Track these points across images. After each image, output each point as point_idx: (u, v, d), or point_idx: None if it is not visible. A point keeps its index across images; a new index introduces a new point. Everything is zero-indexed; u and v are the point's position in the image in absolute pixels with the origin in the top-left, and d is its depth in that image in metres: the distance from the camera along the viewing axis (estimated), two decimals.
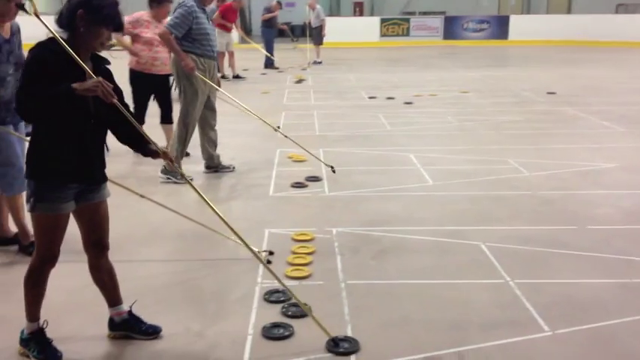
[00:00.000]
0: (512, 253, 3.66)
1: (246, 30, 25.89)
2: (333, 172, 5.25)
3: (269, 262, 3.50)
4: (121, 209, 4.24)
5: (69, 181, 2.42)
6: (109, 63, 2.53)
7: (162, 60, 5.62)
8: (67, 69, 2.31)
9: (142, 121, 5.77)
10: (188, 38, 5.04)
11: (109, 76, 2.45)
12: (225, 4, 12.61)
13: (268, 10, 14.35)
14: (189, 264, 3.58)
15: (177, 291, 3.23)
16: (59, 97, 2.25)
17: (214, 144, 5.48)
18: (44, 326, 2.60)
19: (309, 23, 15.04)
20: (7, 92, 3.43)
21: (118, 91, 2.44)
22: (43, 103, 2.26)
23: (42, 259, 2.49)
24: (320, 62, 15.06)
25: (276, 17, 14.56)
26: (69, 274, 2.97)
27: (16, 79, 3.42)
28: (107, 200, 2.62)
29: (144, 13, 5.62)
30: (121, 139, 2.62)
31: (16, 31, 3.52)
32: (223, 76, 12.30)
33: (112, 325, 2.74)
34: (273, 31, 14.66)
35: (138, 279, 3.33)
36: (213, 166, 5.49)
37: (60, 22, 2.38)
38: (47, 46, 2.33)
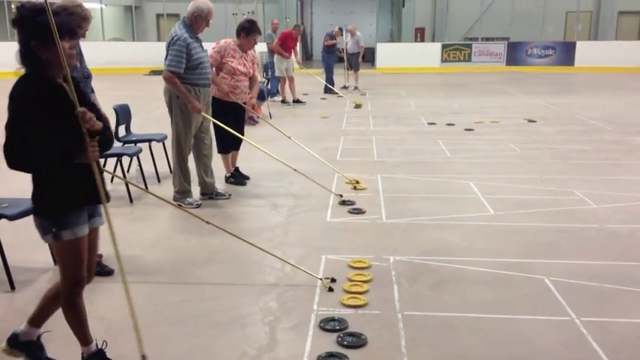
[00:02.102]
0: (579, 289, 3.51)
1: (307, 55, 26.36)
2: (342, 200, 5.26)
3: (331, 289, 3.49)
4: (184, 233, 4.37)
5: (82, 204, 2.49)
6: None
7: (243, 89, 5.74)
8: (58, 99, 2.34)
9: (227, 149, 5.91)
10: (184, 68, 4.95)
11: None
12: (285, 31, 12.94)
13: (330, 36, 14.56)
14: (245, 288, 3.61)
15: (233, 315, 3.26)
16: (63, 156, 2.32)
17: (208, 171, 5.44)
18: (104, 347, 2.66)
19: (346, 49, 15.01)
20: None
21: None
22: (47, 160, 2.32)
23: (72, 284, 2.54)
24: (357, 88, 15.05)
25: (337, 44, 14.75)
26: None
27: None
28: None
29: (230, 42, 5.68)
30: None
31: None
32: (283, 101, 12.55)
33: None
34: (334, 57, 14.83)
35: (195, 301, 3.38)
36: (208, 193, 5.44)
37: (24, 60, 2.35)
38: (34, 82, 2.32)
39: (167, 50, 4.96)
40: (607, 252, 4.13)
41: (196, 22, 5.00)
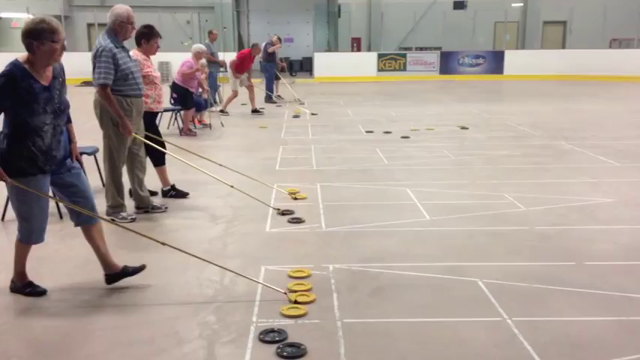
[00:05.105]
0: (510, 290, 3.63)
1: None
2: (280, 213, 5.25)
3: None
4: (119, 249, 4.24)
5: None
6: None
7: (155, 98, 5.66)
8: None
9: (164, 162, 5.78)
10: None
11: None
12: (244, 51, 12.91)
13: (270, 44, 14.58)
14: (182, 303, 3.53)
15: (169, 332, 3.18)
16: None
17: (142, 185, 5.35)
18: None
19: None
20: (45, 142, 3.37)
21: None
22: None
23: None
24: (280, 97, 15.19)
25: (276, 52, 14.78)
26: None
27: (56, 126, 3.42)
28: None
29: (136, 53, 5.52)
30: None
31: (58, 73, 3.45)
32: (222, 111, 12.39)
33: None
34: (274, 66, 14.85)
35: (129, 320, 3.29)
36: (143, 207, 5.35)
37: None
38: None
39: (93, 63, 4.83)
40: (536, 253, 4.31)
41: (122, 28, 4.90)
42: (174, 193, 5.86)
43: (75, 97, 9.21)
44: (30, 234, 3.53)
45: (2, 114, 3.32)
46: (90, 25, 24.18)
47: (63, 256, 4.28)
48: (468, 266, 4.02)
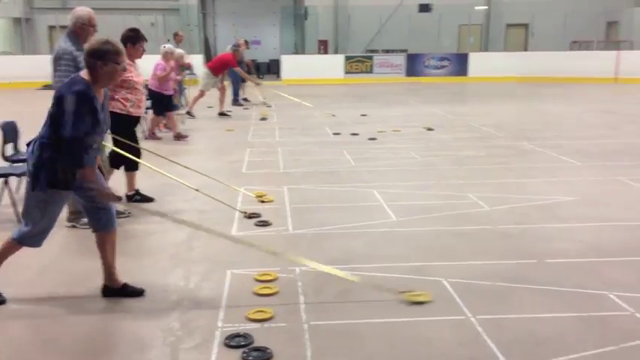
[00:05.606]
0: (474, 289, 3.68)
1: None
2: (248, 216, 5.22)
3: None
4: (78, 255, 4.16)
5: None
6: None
7: (135, 102, 5.57)
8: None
9: (134, 167, 5.69)
10: None
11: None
12: (226, 55, 12.77)
13: (236, 47, 14.46)
14: (146, 310, 3.48)
15: (132, 339, 3.13)
16: None
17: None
18: None
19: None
20: (88, 161, 3.38)
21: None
22: None
23: None
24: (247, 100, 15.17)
25: (242, 55, 14.68)
26: None
27: (98, 145, 3.50)
28: None
29: None
30: None
31: (106, 94, 3.53)
32: (189, 112, 12.26)
33: None
34: (241, 68, 14.74)
35: (91, 330, 3.22)
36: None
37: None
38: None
39: (54, 66, 4.74)
40: (499, 252, 4.38)
41: (82, 31, 4.81)
42: (139, 197, 5.78)
43: (35, 101, 8.99)
44: (30, 237, 3.47)
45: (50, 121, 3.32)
46: (51, 28, 23.66)
47: (22, 264, 4.16)
48: (433, 266, 4.07)
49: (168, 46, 9.82)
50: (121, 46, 3.41)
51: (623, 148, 8.40)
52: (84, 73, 3.35)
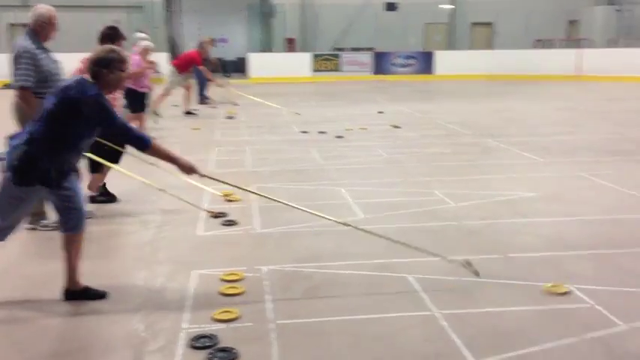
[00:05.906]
0: (438, 284, 3.72)
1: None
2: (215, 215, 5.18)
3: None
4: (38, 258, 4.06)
5: None
6: None
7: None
8: None
9: (102, 168, 5.59)
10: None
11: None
12: (192, 52, 12.61)
13: (201, 45, 14.30)
14: (108, 312, 3.42)
15: (94, 342, 3.07)
16: None
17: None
18: None
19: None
20: (76, 162, 3.50)
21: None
22: None
23: None
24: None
25: (208, 53, 14.51)
26: None
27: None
28: None
29: None
30: None
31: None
32: (155, 112, 12.09)
33: None
34: (208, 67, 14.59)
35: (51, 334, 3.15)
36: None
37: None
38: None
39: (14, 64, 4.61)
40: (464, 247, 4.44)
41: (43, 29, 4.69)
42: (103, 198, 5.67)
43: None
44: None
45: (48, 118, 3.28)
46: (12, 26, 23.05)
47: None
48: (398, 262, 4.09)
49: (145, 42, 9.17)
50: (125, 54, 3.45)
51: (585, 144, 8.60)
52: (86, 77, 3.38)
